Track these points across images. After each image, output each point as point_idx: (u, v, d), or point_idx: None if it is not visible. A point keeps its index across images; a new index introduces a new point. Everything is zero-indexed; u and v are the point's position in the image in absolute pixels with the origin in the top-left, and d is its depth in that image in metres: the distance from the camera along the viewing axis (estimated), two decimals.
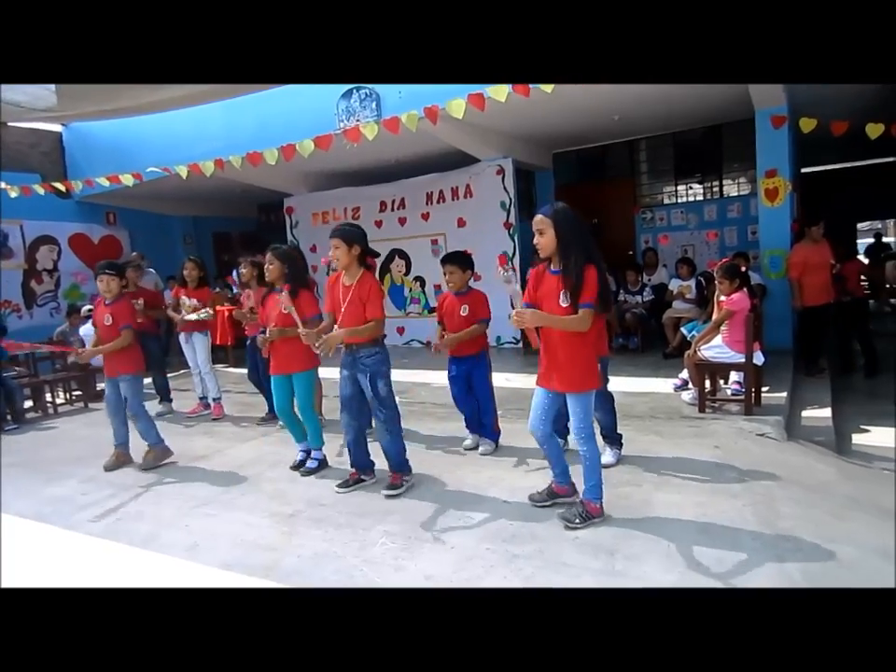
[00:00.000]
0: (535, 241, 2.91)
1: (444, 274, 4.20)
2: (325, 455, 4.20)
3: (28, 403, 6.65)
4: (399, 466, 3.68)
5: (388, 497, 3.56)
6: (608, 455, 3.80)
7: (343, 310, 3.55)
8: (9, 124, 8.27)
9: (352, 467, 3.80)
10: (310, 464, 4.14)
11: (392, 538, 3.04)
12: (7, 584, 2.71)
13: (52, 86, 4.16)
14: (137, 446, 4.62)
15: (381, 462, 3.78)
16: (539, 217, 2.87)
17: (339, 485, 3.75)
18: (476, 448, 4.26)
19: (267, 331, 4.10)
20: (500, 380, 6.26)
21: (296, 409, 4.21)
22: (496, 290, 8.44)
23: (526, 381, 5.23)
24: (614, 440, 3.90)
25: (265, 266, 4.16)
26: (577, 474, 3.14)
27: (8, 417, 6.25)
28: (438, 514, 3.29)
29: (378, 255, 3.85)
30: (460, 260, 4.18)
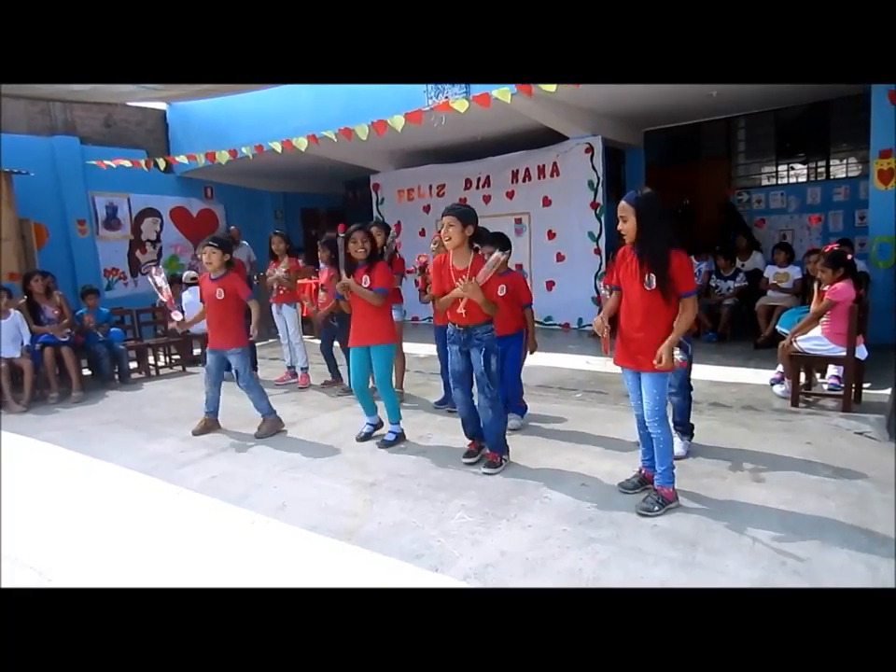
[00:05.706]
0: (619, 227, 2.97)
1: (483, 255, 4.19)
2: (403, 429, 4.30)
3: (133, 365, 7.16)
4: (499, 445, 3.68)
5: (487, 474, 3.56)
6: (678, 446, 3.65)
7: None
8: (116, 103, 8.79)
9: (470, 438, 3.83)
10: (388, 437, 4.23)
11: (469, 512, 3.10)
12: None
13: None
14: (224, 413, 4.90)
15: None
16: (622, 203, 2.91)
17: (465, 456, 3.77)
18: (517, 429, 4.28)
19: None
20: (580, 363, 6.21)
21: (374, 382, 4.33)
22: (580, 272, 8.30)
23: (606, 364, 5.15)
24: (686, 429, 3.78)
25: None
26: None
27: (116, 377, 6.76)
28: (515, 492, 3.32)
29: (481, 243, 3.74)
30: (495, 241, 4.17)
